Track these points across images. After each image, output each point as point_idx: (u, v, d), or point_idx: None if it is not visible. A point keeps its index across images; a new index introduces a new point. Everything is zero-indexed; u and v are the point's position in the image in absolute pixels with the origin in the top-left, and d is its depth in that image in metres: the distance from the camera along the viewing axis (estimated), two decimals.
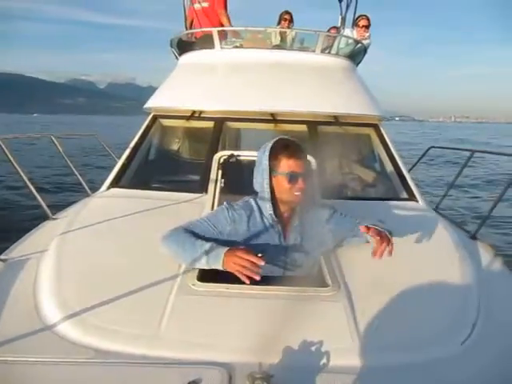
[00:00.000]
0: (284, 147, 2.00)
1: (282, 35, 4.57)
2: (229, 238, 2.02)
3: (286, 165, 1.96)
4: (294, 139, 2.07)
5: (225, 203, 2.14)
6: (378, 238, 1.93)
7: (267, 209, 2.03)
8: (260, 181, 2.04)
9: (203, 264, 1.86)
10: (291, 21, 5.33)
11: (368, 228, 1.97)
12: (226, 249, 1.84)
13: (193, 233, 2.00)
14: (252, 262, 1.74)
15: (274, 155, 2.00)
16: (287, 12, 5.34)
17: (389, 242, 1.94)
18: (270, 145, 2.03)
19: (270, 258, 1.99)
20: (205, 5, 4.65)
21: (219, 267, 1.82)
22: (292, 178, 1.95)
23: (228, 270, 1.79)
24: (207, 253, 1.85)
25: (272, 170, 2.00)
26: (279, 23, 5.35)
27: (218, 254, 1.83)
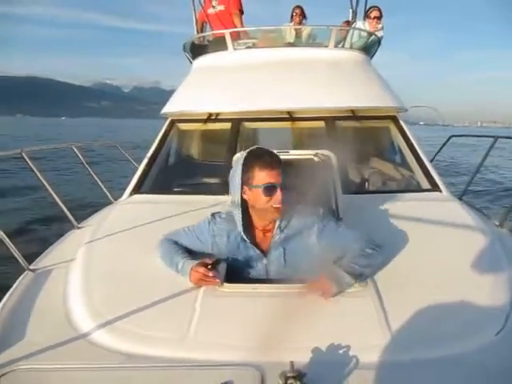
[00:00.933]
0: (256, 158, 1.88)
1: (297, 32, 4.55)
2: (212, 251, 2.07)
3: (260, 177, 1.85)
4: (266, 148, 1.94)
5: (208, 215, 2.13)
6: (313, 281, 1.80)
7: (238, 226, 1.98)
8: (232, 195, 1.98)
9: (180, 275, 1.95)
10: (303, 15, 5.29)
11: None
12: (191, 265, 1.90)
13: (178, 242, 2.11)
14: (207, 275, 1.84)
15: (247, 167, 1.88)
16: (298, 6, 5.29)
17: (320, 289, 1.77)
18: (241, 159, 1.91)
19: (250, 271, 2.02)
20: (220, 8, 4.66)
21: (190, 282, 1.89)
22: (268, 190, 1.84)
23: (196, 284, 1.87)
24: (180, 270, 1.95)
25: (247, 184, 1.89)
26: (291, 20, 5.32)
27: (186, 271, 1.91)
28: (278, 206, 1.87)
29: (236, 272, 2.01)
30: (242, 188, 1.91)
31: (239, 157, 1.98)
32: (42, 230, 7.39)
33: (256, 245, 2.02)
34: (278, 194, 1.84)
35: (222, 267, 1.97)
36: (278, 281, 1.95)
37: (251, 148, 1.96)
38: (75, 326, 1.76)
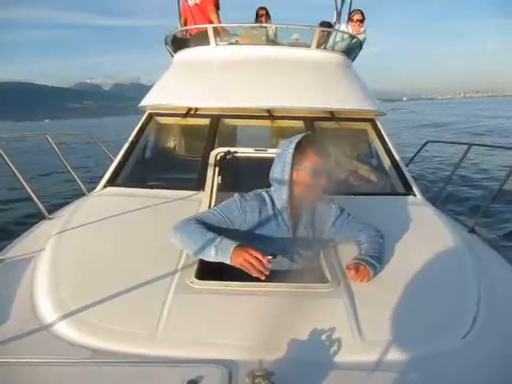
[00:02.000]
0: (312, 143, 2.01)
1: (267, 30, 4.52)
2: (240, 228, 2.02)
3: (311, 160, 1.97)
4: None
5: (236, 195, 2.11)
6: (353, 272, 1.94)
7: (283, 200, 2.02)
8: (280, 172, 2.03)
9: (212, 256, 1.82)
10: (268, 15, 5.26)
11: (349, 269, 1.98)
12: (236, 244, 1.81)
13: (204, 223, 1.98)
14: (260, 260, 1.74)
15: (300, 149, 1.98)
16: (262, 8, 5.26)
17: (364, 276, 1.93)
18: (296, 139, 2.02)
19: (278, 249, 2.03)
20: (197, 1, 4.63)
21: (227, 261, 1.79)
22: (316, 173, 1.97)
23: (235, 265, 1.78)
24: (216, 246, 1.82)
25: (295, 164, 1.99)
26: (256, 19, 5.29)
27: (227, 248, 1.80)
28: (318, 190, 2.01)
29: (262, 247, 1.92)
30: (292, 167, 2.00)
31: (290, 139, 2.05)
32: (11, 221, 7.22)
33: (292, 225, 2.08)
34: (323, 180, 1.99)
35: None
36: (276, 274, 1.92)
37: (305, 133, 2.09)
38: (41, 318, 1.72)
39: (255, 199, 2.07)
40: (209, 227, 1.96)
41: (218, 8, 4.73)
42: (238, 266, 1.77)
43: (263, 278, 1.74)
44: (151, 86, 4.43)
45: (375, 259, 1.99)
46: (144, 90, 4.93)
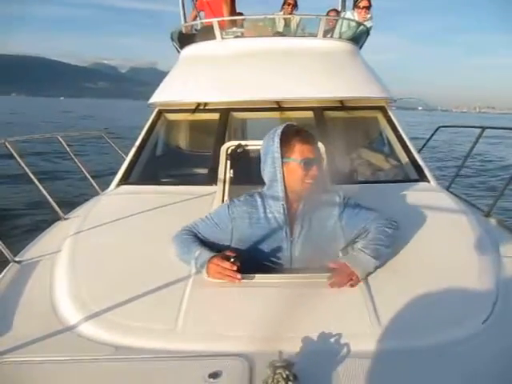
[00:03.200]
0: (296, 133, 1.90)
1: (286, 21, 4.50)
2: (233, 235, 2.02)
3: (300, 151, 1.87)
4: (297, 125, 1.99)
5: (227, 200, 2.13)
6: (337, 272, 1.81)
7: (279, 198, 1.95)
8: (271, 170, 1.94)
9: (195, 269, 1.89)
10: (295, 5, 5.22)
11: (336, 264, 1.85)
12: (210, 256, 1.83)
13: (196, 233, 2.04)
14: (228, 269, 1.77)
15: (285, 142, 1.89)
16: None
17: (347, 279, 1.78)
18: (278, 131, 1.92)
19: (274, 253, 1.99)
20: None
21: (206, 275, 1.84)
22: (307, 164, 1.86)
23: (213, 279, 1.82)
24: (196, 259, 1.88)
25: (283, 158, 1.89)
26: (282, 8, 5.26)
27: (204, 263, 1.84)
28: (311, 181, 1.90)
29: (259, 254, 1.99)
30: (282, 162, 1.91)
31: (272, 133, 1.97)
32: (27, 222, 7.31)
33: (288, 226, 2.00)
34: (314, 170, 1.88)
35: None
36: (296, 268, 1.96)
37: (285, 124, 1.98)
38: (62, 318, 1.74)
39: (245, 203, 2.04)
40: (201, 237, 2.03)
41: (233, 2, 4.69)
42: (215, 279, 1.81)
43: (238, 282, 1.77)
44: (167, 72, 4.44)
45: (373, 254, 1.83)
46: (160, 75, 4.92)
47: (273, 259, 2.00)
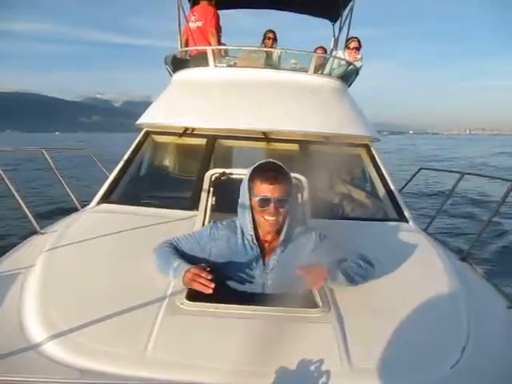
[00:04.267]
0: (262, 170, 1.99)
1: (268, 54, 4.60)
2: (210, 255, 2.08)
3: (259, 188, 1.95)
4: (278, 163, 2.03)
5: (212, 222, 2.20)
6: (308, 272, 1.90)
7: (248, 230, 2.04)
8: (241, 200, 2.06)
9: (171, 277, 1.97)
10: (275, 39, 5.40)
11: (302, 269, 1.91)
12: (188, 268, 1.90)
13: (177, 247, 2.12)
14: (202, 277, 1.82)
15: (252, 177, 2.00)
16: (271, 31, 5.40)
17: (321, 276, 1.88)
18: (252, 167, 2.04)
19: (248, 279, 2.03)
20: (199, 24, 4.70)
21: (182, 283, 1.91)
22: (263, 202, 1.94)
23: (186, 286, 1.90)
24: (174, 269, 1.95)
25: (250, 192, 2.00)
26: (263, 42, 5.40)
27: (181, 272, 1.91)
28: (271, 218, 1.95)
29: (233, 277, 2.03)
30: (250, 195, 2.00)
31: (250, 167, 2.06)
32: (2, 234, 7.15)
33: (260, 255, 2.06)
34: (271, 209, 1.93)
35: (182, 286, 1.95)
36: (266, 297, 1.98)
37: (265, 160, 2.06)
38: (28, 336, 1.69)
39: (226, 227, 2.12)
40: (181, 251, 2.10)
41: (218, 32, 4.80)
42: (189, 287, 1.88)
43: (210, 291, 1.79)
44: None
45: (342, 272, 1.93)
46: None
47: (246, 285, 2.04)
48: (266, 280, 2.04)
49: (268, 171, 1.97)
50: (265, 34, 5.40)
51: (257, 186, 1.96)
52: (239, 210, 2.09)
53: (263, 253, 2.07)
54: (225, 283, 2.03)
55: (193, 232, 2.21)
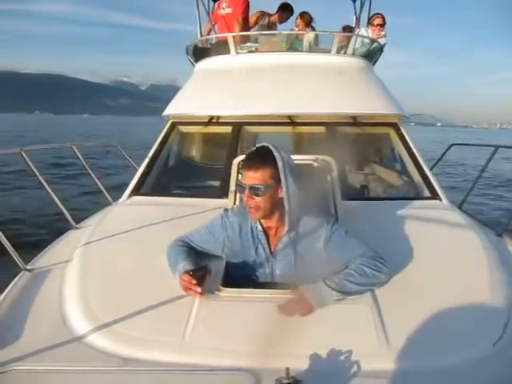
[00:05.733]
0: (246, 156, 1.98)
1: (298, 37, 4.51)
2: (225, 244, 2.08)
3: (244, 176, 1.94)
4: (270, 147, 1.92)
5: (221, 212, 2.17)
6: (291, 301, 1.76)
7: (251, 217, 2.02)
8: None
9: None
10: (309, 21, 5.17)
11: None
12: (182, 272, 1.87)
13: (190, 242, 2.12)
14: (189, 283, 1.80)
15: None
16: (303, 14, 5.16)
17: (298, 309, 1.71)
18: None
19: (257, 267, 2.03)
20: (228, 11, 4.64)
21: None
22: (239, 188, 1.96)
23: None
24: (179, 272, 1.90)
25: None
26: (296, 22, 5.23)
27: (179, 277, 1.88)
28: (248, 206, 1.92)
29: (245, 267, 2.04)
30: None
31: None
32: (39, 230, 7.37)
33: (265, 242, 2.04)
34: (246, 195, 1.90)
35: (215, 273, 1.96)
36: (279, 285, 1.96)
37: (259, 145, 2.00)
38: (71, 328, 1.75)
39: (237, 215, 2.10)
40: (194, 245, 2.12)
41: (246, 20, 4.73)
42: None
43: (198, 296, 1.78)
44: None
45: (337, 288, 1.75)
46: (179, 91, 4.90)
47: (256, 273, 2.04)
48: (273, 269, 2.02)
49: (249, 158, 1.94)
50: (298, 17, 5.12)
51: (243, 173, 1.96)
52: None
53: (269, 241, 2.04)
54: (240, 272, 2.04)
55: (205, 224, 2.18)
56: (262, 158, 1.90)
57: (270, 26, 5.13)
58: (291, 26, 5.29)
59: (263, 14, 5.17)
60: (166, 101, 4.23)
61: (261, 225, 2.03)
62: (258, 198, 1.88)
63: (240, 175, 2.87)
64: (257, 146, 2.00)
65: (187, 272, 1.84)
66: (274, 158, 1.89)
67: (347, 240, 1.95)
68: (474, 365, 1.50)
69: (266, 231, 2.04)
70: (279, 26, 5.21)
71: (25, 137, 32.58)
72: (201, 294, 1.78)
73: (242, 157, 3.03)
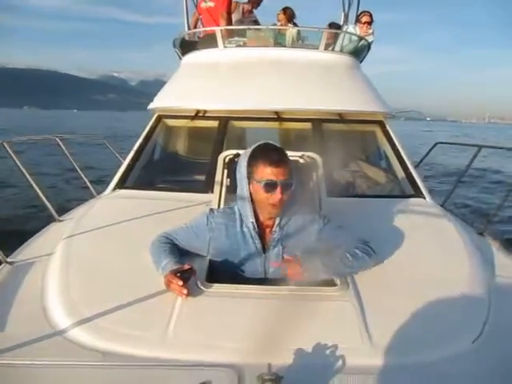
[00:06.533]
0: (263, 153, 1.89)
1: (280, 32, 4.49)
2: (209, 245, 2.05)
3: (262, 173, 1.86)
4: (276, 145, 1.96)
5: (207, 209, 2.15)
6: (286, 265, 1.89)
7: (248, 217, 1.98)
8: (240, 188, 1.99)
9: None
10: (291, 18, 5.19)
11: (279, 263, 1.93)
12: (169, 270, 1.84)
13: (172, 240, 2.08)
14: (176, 283, 1.75)
15: (252, 162, 1.91)
16: (285, 9, 5.20)
17: (291, 273, 1.85)
18: (249, 151, 1.96)
19: (249, 267, 2.00)
20: (211, 5, 4.63)
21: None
22: (268, 187, 1.85)
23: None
24: (162, 269, 1.89)
25: (250, 178, 1.92)
26: (278, 18, 5.26)
27: (163, 274, 1.85)
28: (276, 203, 1.88)
29: (233, 266, 2.01)
30: (248, 181, 1.93)
31: (245, 151, 1.99)
32: (21, 222, 7.26)
33: (259, 241, 2.01)
34: (278, 192, 1.84)
35: (199, 269, 1.94)
36: (270, 281, 1.97)
37: (259, 143, 1.98)
38: (52, 321, 1.73)
39: (223, 215, 2.08)
40: (178, 243, 2.08)
41: (230, 14, 4.72)
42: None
43: (184, 297, 1.76)
44: None
45: (326, 263, 1.87)
46: None
47: (247, 273, 2.01)
48: (267, 267, 2.00)
49: (271, 153, 1.88)
50: (281, 13, 5.22)
51: (260, 170, 1.87)
52: (238, 198, 2.03)
53: (263, 240, 2.02)
54: (230, 271, 2.01)
55: (190, 221, 2.14)
56: (284, 154, 1.91)
57: (245, 14, 5.17)
58: (273, 20, 5.32)
59: (237, 4, 5.20)
60: (154, 96, 4.19)
61: (257, 222, 2.00)
62: (287, 194, 1.88)
63: (226, 170, 2.88)
64: (260, 143, 1.97)
65: (173, 272, 1.80)
66: (287, 155, 1.93)
67: (338, 233, 2.02)
68: (454, 361, 1.52)
69: (262, 228, 2.02)
70: (260, 18, 5.24)
71: (14, 132, 31.97)
72: (186, 295, 1.76)
73: (228, 152, 3.02)
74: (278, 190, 1.84)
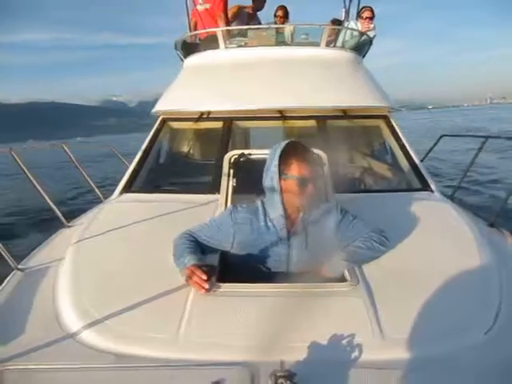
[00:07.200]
0: (295, 151, 1.99)
1: (279, 31, 4.48)
2: (234, 239, 2.07)
3: (296, 169, 1.95)
4: (303, 144, 2.05)
5: (231, 206, 2.20)
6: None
7: (278, 210, 2.04)
8: (269, 182, 2.03)
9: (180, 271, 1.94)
10: (286, 16, 5.16)
11: None
12: (191, 263, 1.88)
13: (198, 236, 2.11)
14: (199, 277, 1.80)
15: (284, 158, 1.98)
16: (281, 7, 5.19)
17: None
18: (281, 147, 2.01)
19: (273, 260, 2.04)
20: (206, 6, 4.64)
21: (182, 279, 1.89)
22: (302, 182, 1.95)
23: (185, 282, 1.87)
24: (184, 263, 1.92)
25: (281, 173, 1.99)
26: (275, 18, 5.26)
27: (183, 268, 1.90)
28: (306, 197, 1.98)
29: (256, 259, 2.04)
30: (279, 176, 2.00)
31: (276, 147, 2.05)
32: (31, 229, 7.31)
33: (285, 234, 2.06)
34: (310, 188, 1.96)
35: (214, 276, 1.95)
36: (292, 270, 2.01)
37: (289, 140, 2.06)
38: (64, 326, 1.74)
39: (247, 210, 2.11)
40: (202, 240, 2.11)
41: (227, 15, 4.74)
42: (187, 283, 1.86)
43: (203, 291, 1.79)
44: None
45: (347, 258, 2.00)
46: None
47: (271, 266, 2.05)
48: (291, 259, 2.04)
49: (302, 152, 2.00)
50: (275, 13, 5.25)
51: (293, 167, 1.96)
52: (268, 192, 2.07)
53: (288, 233, 2.06)
54: (251, 265, 2.05)
55: (213, 218, 2.20)
56: (313, 153, 2.08)
57: (250, 18, 5.18)
58: (271, 18, 5.32)
59: (240, 8, 5.21)
60: (154, 115, 4.18)
61: (285, 214, 2.05)
62: (315, 189, 2.01)
63: (231, 170, 2.88)
64: (289, 141, 2.05)
65: (197, 265, 1.85)
66: None
67: (355, 223, 2.13)
68: (467, 352, 1.52)
69: (287, 224, 2.07)
70: (260, 16, 5.24)
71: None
72: (207, 290, 1.79)
73: (233, 152, 3.02)
74: (310, 185, 1.96)
